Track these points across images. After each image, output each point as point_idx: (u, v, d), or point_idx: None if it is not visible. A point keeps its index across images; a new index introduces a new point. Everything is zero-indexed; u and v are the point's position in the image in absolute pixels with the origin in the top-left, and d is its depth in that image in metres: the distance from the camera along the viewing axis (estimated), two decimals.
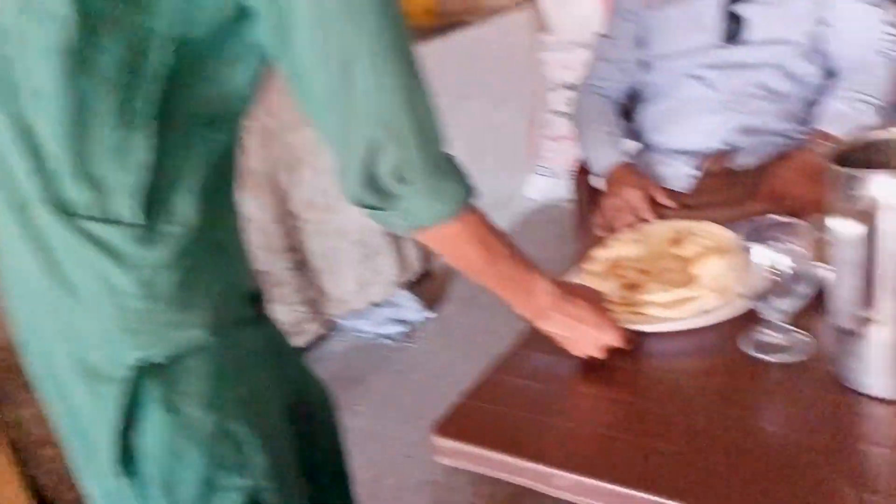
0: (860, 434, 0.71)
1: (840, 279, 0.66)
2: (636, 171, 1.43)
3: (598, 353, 0.89)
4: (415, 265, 2.52)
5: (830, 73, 1.45)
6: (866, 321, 0.68)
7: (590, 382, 0.88)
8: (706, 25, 1.45)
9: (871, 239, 0.66)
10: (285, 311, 2.23)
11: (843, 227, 0.64)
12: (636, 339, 0.90)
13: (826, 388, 0.77)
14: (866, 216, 0.64)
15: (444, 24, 2.86)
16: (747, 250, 0.81)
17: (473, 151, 2.95)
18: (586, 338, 0.88)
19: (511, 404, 0.88)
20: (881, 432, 0.70)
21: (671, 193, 1.41)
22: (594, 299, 0.90)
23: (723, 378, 0.84)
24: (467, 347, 2.28)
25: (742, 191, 1.39)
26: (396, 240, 2.47)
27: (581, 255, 1.40)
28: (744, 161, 1.44)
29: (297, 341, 2.26)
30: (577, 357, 0.91)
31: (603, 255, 1.08)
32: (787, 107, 1.45)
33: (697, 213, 1.40)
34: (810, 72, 1.45)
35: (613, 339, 0.87)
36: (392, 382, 2.20)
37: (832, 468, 0.67)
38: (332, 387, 2.34)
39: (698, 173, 1.46)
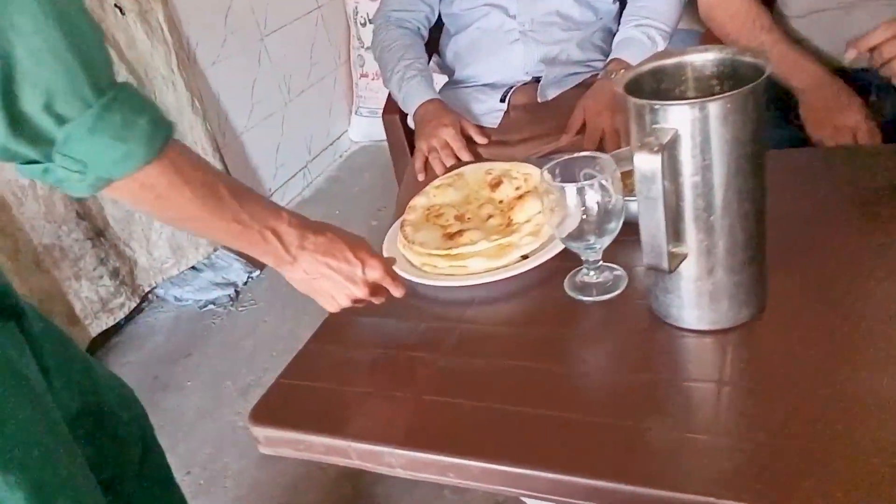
0: (678, 370, 0.71)
1: (647, 214, 0.65)
2: (447, 109, 1.39)
3: (361, 294, 0.78)
4: None
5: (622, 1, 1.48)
6: (674, 255, 0.68)
7: (412, 347, 0.83)
8: None
9: (672, 171, 0.65)
10: (89, 288, 1.99)
11: (645, 161, 0.62)
12: (404, 284, 0.83)
13: (643, 323, 0.77)
14: (667, 148, 0.62)
15: None
16: (559, 189, 0.79)
17: (291, 93, 2.79)
18: (343, 284, 0.76)
19: (330, 379, 0.81)
20: (696, 366, 0.71)
21: (482, 130, 1.38)
22: (348, 239, 0.78)
23: (546, 325, 0.82)
24: (301, 304, 2.17)
25: (550, 124, 1.39)
26: None
27: (402, 204, 1.35)
28: (549, 92, 1.44)
29: (107, 320, 2.04)
30: (400, 320, 0.86)
31: (421, 202, 1.03)
32: (586, 35, 1.46)
33: (509, 149, 1.39)
34: None
35: (377, 278, 0.77)
36: (222, 353, 2.05)
37: (653, 406, 0.67)
38: (156, 365, 2.15)
39: (504, 107, 1.44)
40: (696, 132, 0.63)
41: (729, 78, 0.70)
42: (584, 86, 1.43)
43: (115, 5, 2.04)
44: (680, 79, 0.73)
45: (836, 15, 1.25)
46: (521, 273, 0.87)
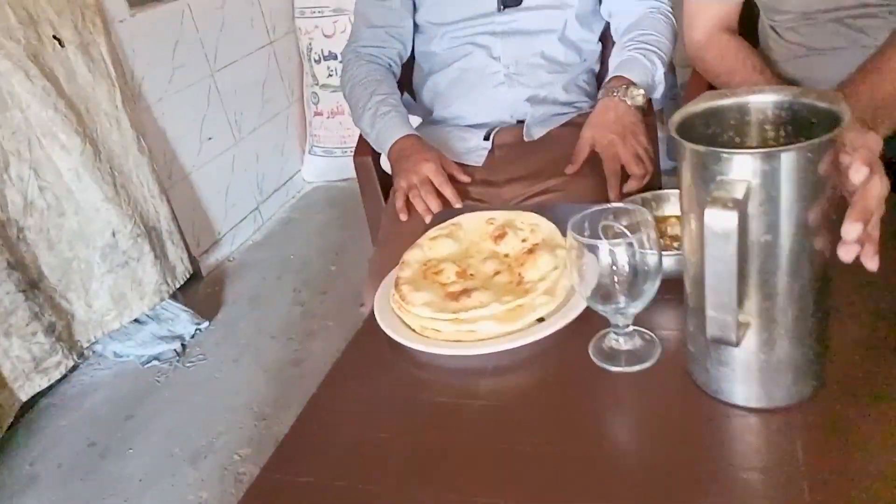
0: (735, 454, 0.62)
1: (716, 279, 0.56)
2: (427, 144, 1.29)
3: None
4: (180, 267, 2.18)
5: (604, 41, 1.43)
6: (739, 325, 0.59)
7: (421, 429, 0.71)
8: None
9: (741, 230, 0.56)
10: (20, 347, 1.79)
11: (719, 219, 0.53)
12: None
13: (684, 399, 0.68)
14: (735, 203, 0.54)
15: None
16: (581, 244, 0.69)
17: (242, 131, 2.66)
18: None
19: (322, 473, 0.68)
20: (757, 449, 0.62)
21: (464, 168, 1.29)
22: None
23: (573, 400, 0.71)
24: (254, 356, 2.02)
25: (538, 163, 1.32)
26: (156, 238, 2.11)
27: (384, 251, 1.24)
28: (534, 132, 1.37)
29: (41, 381, 1.84)
30: (403, 394, 0.75)
31: (415, 256, 0.92)
32: (571, 77, 1.41)
33: (495, 189, 1.30)
34: (586, 37, 1.42)
35: None
36: (169, 412, 1.87)
37: (699, 488, 0.58)
38: (93, 428, 1.94)
39: (489, 145, 1.36)
40: (768, 185, 0.55)
41: (786, 124, 0.63)
42: (572, 125, 1.36)
43: (54, 36, 1.88)
44: (729, 123, 0.65)
45: (819, 60, 1.22)
46: (539, 339, 0.77)
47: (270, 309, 2.23)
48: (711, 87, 1.35)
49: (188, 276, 2.21)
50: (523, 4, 1.36)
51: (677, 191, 0.93)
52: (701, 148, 0.57)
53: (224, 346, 2.08)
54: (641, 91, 1.25)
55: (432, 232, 0.95)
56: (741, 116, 0.64)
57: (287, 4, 2.88)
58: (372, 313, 0.87)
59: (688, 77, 1.39)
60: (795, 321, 0.60)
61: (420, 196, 1.21)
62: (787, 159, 0.54)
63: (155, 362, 2.03)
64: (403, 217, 1.23)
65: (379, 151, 1.39)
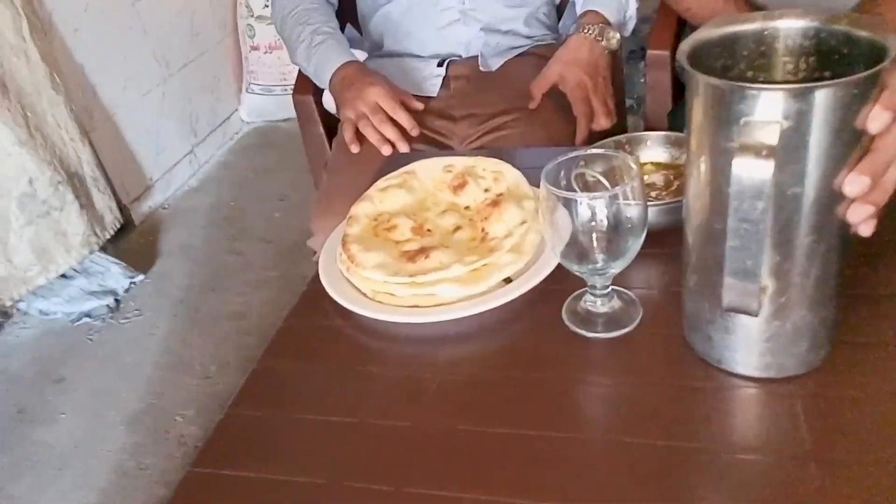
0: (739, 432, 0.56)
1: (739, 241, 0.47)
2: (368, 69, 1.18)
3: None
4: (109, 216, 2.02)
5: None
6: (758, 290, 0.51)
7: (382, 413, 0.63)
8: None
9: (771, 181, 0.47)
10: None
11: (751, 170, 0.44)
12: None
13: (679, 368, 0.61)
14: (770, 151, 0.45)
15: None
16: (554, 195, 0.61)
17: (170, 67, 2.45)
18: None
19: (259, 465, 0.60)
20: (764, 426, 0.56)
21: (419, 99, 1.19)
22: None
23: (546, 372, 0.64)
24: (191, 311, 1.90)
25: (496, 96, 1.23)
26: (80, 184, 1.94)
27: (331, 194, 1.13)
28: (491, 62, 1.27)
29: None
30: (357, 371, 0.66)
31: (364, 210, 0.82)
32: (532, 11, 1.29)
33: (452, 124, 1.21)
34: None
35: None
36: (101, 373, 1.75)
37: (708, 484, 0.52)
38: (20, 393, 1.81)
39: (443, 72, 1.25)
40: (801, 128, 0.46)
41: (808, 55, 0.54)
42: (533, 55, 1.26)
43: None
44: (741, 54, 0.55)
45: None
46: (506, 303, 0.69)
47: (209, 260, 2.09)
48: (680, 20, 1.25)
49: (119, 226, 2.05)
50: None
51: (654, 133, 0.86)
52: (722, 82, 0.47)
53: (160, 300, 1.95)
54: (617, 35, 1.15)
55: (382, 182, 0.85)
56: (756, 46, 0.54)
57: None
58: (317, 275, 0.78)
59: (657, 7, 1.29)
60: (816, 284, 0.53)
61: (372, 125, 1.10)
62: (825, 97, 0.45)
63: (86, 319, 1.88)
64: (354, 148, 1.13)
65: (321, 86, 1.26)
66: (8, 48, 1.80)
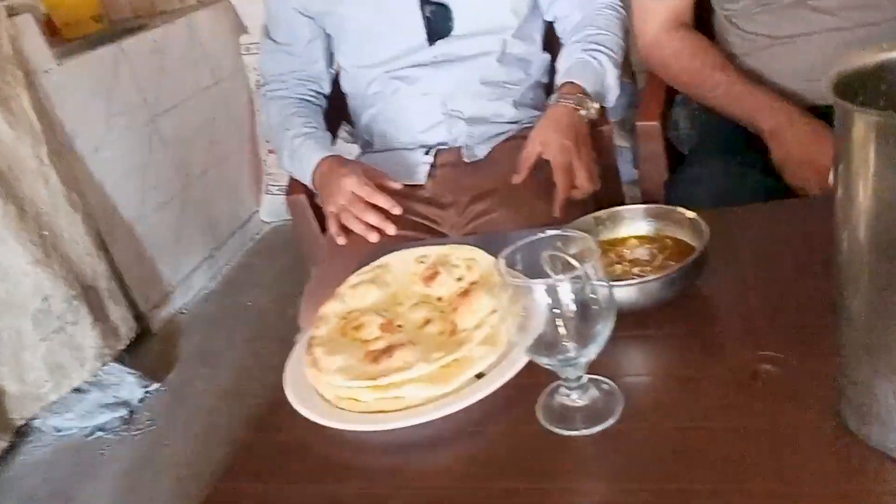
0: None
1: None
2: (343, 159, 1.18)
3: None
4: (124, 328, 2.02)
5: (550, 48, 1.31)
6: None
7: None
8: (406, 26, 1.21)
9: None
10: None
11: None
12: None
13: (669, 463, 0.54)
14: None
15: (115, 31, 2.37)
16: (524, 288, 0.56)
17: (190, 175, 2.52)
18: None
19: None
20: None
21: (409, 187, 1.18)
22: None
23: (525, 478, 0.57)
24: (208, 419, 1.86)
25: (484, 181, 1.20)
26: (94, 298, 1.95)
27: (314, 301, 1.10)
28: (477, 151, 1.25)
29: None
30: (311, 485, 0.60)
31: (333, 309, 0.78)
32: (517, 96, 1.27)
33: (439, 211, 1.18)
34: (530, 50, 1.29)
35: None
36: (116, 489, 1.70)
37: None
38: None
39: (431, 159, 1.24)
40: None
41: None
42: (521, 138, 1.24)
43: None
44: (880, 89, 0.48)
45: (784, 50, 1.10)
46: (477, 402, 0.63)
47: (226, 364, 2.07)
48: (670, 90, 1.23)
49: (134, 336, 2.04)
50: (454, 33, 1.22)
51: (634, 207, 0.81)
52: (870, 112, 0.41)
53: (176, 408, 1.91)
54: (596, 105, 1.13)
55: (354, 278, 0.81)
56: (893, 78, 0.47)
57: (232, 42, 2.76)
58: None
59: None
60: None
61: (352, 216, 1.08)
62: None
63: (99, 433, 1.85)
64: (341, 241, 1.12)
65: (311, 187, 1.26)
66: (28, 173, 1.87)
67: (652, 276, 0.68)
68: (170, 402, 1.95)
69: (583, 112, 1.11)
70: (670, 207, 0.76)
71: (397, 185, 1.13)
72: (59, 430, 1.87)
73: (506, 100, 1.26)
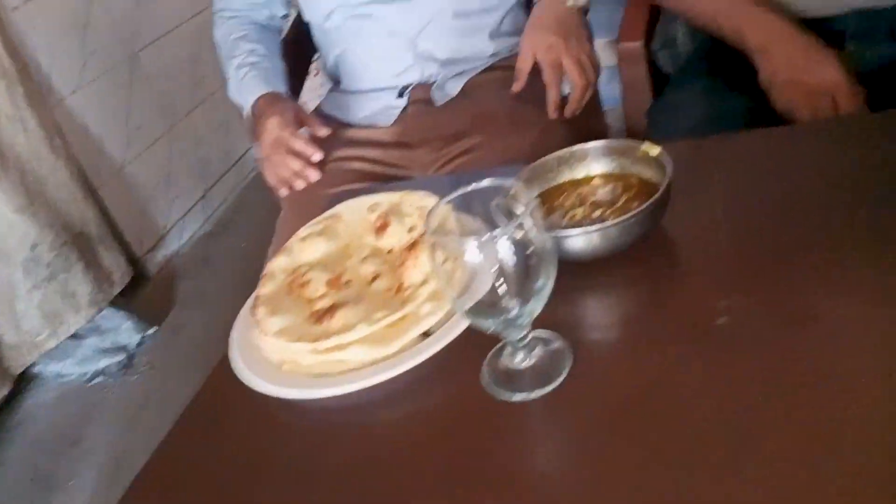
0: None
1: None
2: (276, 99, 1.11)
3: None
4: (119, 272, 2.01)
5: None
6: None
7: (264, 488, 0.55)
8: None
9: None
10: None
11: None
12: None
13: (621, 423, 0.51)
14: None
15: None
16: (456, 246, 0.52)
17: (177, 114, 2.45)
18: None
19: None
20: None
21: (319, 120, 1.11)
22: None
23: (467, 438, 0.55)
24: (208, 360, 1.86)
25: (458, 117, 1.13)
26: (86, 243, 1.93)
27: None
28: (449, 89, 1.16)
29: None
30: (248, 449, 0.58)
31: (280, 264, 0.74)
32: (492, 28, 1.18)
33: (410, 151, 1.12)
34: None
35: None
36: (119, 432, 1.72)
37: None
38: (39, 458, 1.77)
39: (403, 103, 1.16)
40: None
41: None
42: (497, 69, 1.16)
43: None
44: None
45: None
46: (421, 363, 0.60)
47: (223, 306, 2.05)
48: (653, 8, 1.14)
49: (128, 281, 2.03)
50: None
51: (598, 143, 0.75)
52: None
53: (173, 352, 1.92)
54: None
55: (303, 230, 0.77)
56: None
57: None
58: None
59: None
60: None
61: (282, 164, 1.04)
62: None
63: (100, 378, 1.87)
64: (282, 192, 1.07)
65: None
66: (4, 119, 1.82)
67: (601, 224, 0.62)
68: (167, 345, 1.95)
69: (570, 2, 1.04)
70: (634, 142, 0.71)
71: (323, 131, 1.07)
72: (60, 376, 1.89)
73: (482, 33, 1.17)
